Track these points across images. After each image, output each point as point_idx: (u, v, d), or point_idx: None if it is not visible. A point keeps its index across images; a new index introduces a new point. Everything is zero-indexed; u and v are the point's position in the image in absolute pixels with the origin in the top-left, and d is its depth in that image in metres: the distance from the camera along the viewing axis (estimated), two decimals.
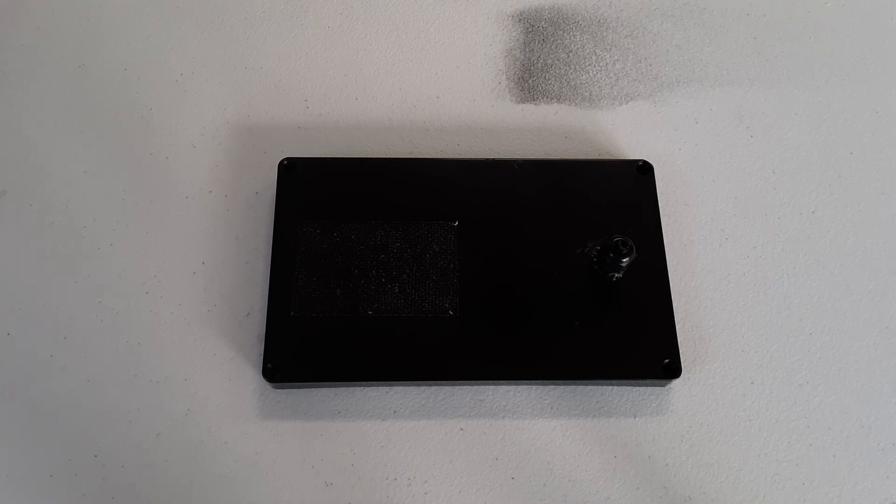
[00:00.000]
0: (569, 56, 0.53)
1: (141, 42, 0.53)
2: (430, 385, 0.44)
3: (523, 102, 0.52)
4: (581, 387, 0.44)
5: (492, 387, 0.44)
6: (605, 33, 0.54)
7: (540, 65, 0.53)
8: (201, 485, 0.41)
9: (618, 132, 0.51)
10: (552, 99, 0.52)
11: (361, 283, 0.43)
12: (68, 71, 0.52)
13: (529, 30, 0.54)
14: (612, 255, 0.43)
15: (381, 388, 0.44)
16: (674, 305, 0.44)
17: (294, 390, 0.43)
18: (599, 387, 0.44)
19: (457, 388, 0.44)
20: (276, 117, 0.51)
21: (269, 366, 0.42)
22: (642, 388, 0.44)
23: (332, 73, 0.52)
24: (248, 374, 0.44)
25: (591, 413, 0.43)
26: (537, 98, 0.52)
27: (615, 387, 0.44)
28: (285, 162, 0.46)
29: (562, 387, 0.44)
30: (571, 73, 0.53)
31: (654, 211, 0.46)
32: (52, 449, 0.42)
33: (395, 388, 0.44)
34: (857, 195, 0.49)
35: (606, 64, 0.53)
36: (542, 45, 0.54)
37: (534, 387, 0.44)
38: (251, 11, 0.54)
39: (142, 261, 0.46)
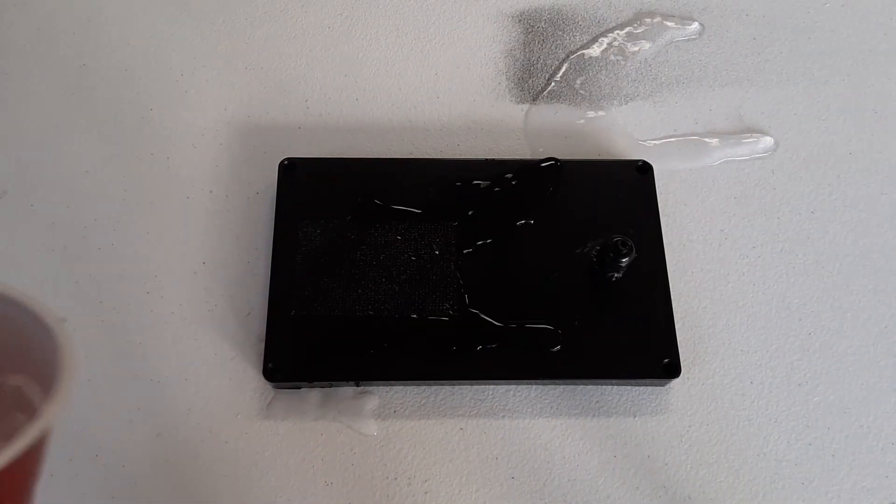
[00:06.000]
0: (568, 56, 0.54)
1: (141, 42, 0.53)
2: (430, 385, 0.44)
3: (523, 102, 0.52)
4: (581, 386, 0.44)
5: (492, 387, 0.44)
6: (604, 33, 0.54)
7: (540, 65, 0.53)
8: (202, 484, 0.41)
9: (618, 132, 0.51)
10: (552, 99, 0.52)
11: (361, 283, 0.43)
12: (69, 71, 0.52)
13: (529, 30, 0.54)
14: (611, 255, 0.43)
15: (381, 387, 0.44)
16: (673, 305, 0.44)
17: (294, 390, 0.43)
18: (599, 386, 0.44)
19: (457, 388, 0.44)
20: (276, 117, 0.51)
21: (269, 365, 0.42)
22: (642, 388, 0.44)
23: (332, 73, 0.52)
24: (249, 374, 0.44)
25: (590, 413, 0.44)
26: (537, 98, 0.52)
27: (615, 386, 0.44)
28: (286, 162, 0.46)
29: (561, 386, 0.44)
30: (571, 73, 0.53)
31: (654, 211, 0.46)
32: (52, 449, 0.42)
33: (395, 388, 0.44)
34: (856, 195, 0.50)
35: (606, 64, 0.53)
36: (542, 45, 0.54)
37: (534, 387, 0.44)
38: (251, 11, 0.54)
39: (142, 261, 0.46)
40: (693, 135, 0.51)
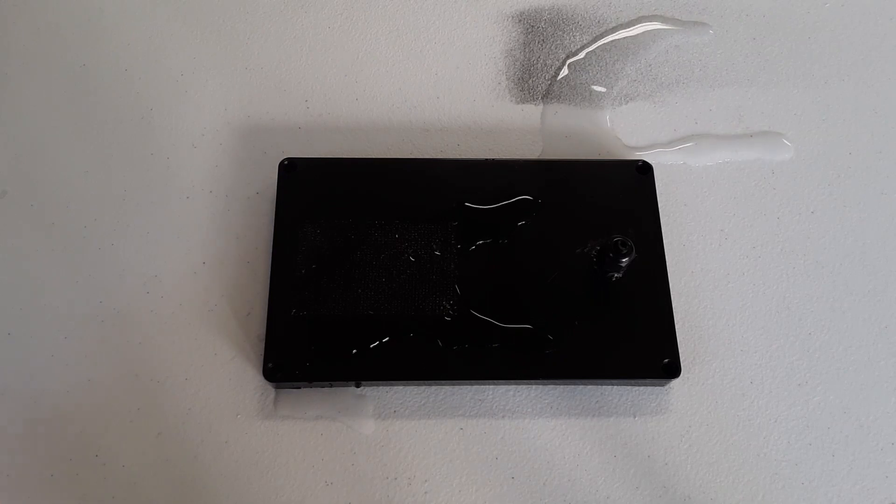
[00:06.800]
0: (568, 56, 0.54)
1: (141, 42, 0.53)
2: (430, 385, 0.44)
3: (523, 102, 0.52)
4: (581, 387, 0.44)
5: (492, 387, 0.44)
6: (605, 33, 0.54)
7: (540, 65, 0.53)
8: (202, 484, 0.41)
9: (618, 132, 0.51)
10: (552, 99, 0.52)
11: (361, 283, 0.43)
12: (69, 71, 0.52)
13: (529, 30, 0.54)
14: (611, 255, 0.43)
15: (381, 387, 0.44)
16: (673, 305, 0.44)
17: (294, 390, 0.43)
18: (599, 386, 0.44)
19: (457, 388, 0.44)
20: (276, 117, 0.51)
21: (269, 365, 0.42)
22: (642, 388, 0.44)
23: (332, 74, 0.52)
24: (249, 374, 0.44)
25: (590, 413, 0.44)
26: (537, 98, 0.52)
27: (615, 386, 0.44)
28: (286, 162, 0.46)
29: (561, 386, 0.44)
30: (572, 73, 0.53)
31: (654, 211, 0.46)
32: (52, 449, 0.42)
33: (395, 388, 0.44)
34: (856, 195, 0.50)
35: (606, 64, 0.53)
36: (541, 45, 0.54)
37: (534, 387, 0.44)
38: (251, 11, 0.54)
39: (142, 261, 0.46)
40: (693, 135, 0.51)
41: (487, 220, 0.45)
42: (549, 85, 0.52)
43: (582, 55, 0.54)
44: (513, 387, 0.44)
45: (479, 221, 0.45)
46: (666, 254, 0.45)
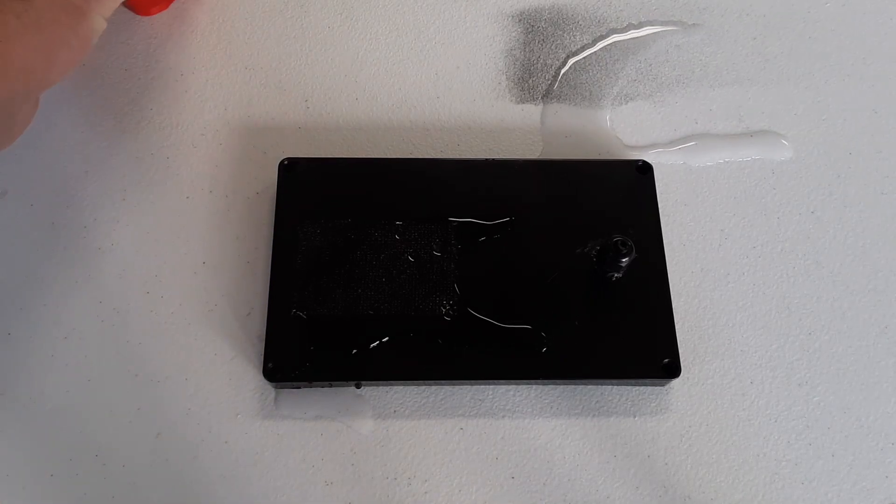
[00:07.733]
0: (569, 56, 0.54)
1: (141, 42, 0.53)
2: (429, 385, 0.44)
3: (523, 102, 0.52)
4: (581, 386, 0.44)
5: (492, 387, 0.44)
6: (604, 33, 0.54)
7: (540, 65, 0.53)
8: (202, 484, 0.41)
9: (618, 132, 0.51)
10: (552, 99, 0.52)
11: (361, 283, 0.43)
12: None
13: (529, 30, 0.54)
14: (611, 254, 0.43)
15: (381, 387, 0.44)
16: (673, 305, 0.44)
17: (294, 390, 0.43)
18: (599, 386, 0.44)
19: (457, 388, 0.44)
20: (276, 117, 0.51)
21: (269, 365, 0.42)
22: (642, 388, 0.44)
23: (332, 73, 0.52)
24: (249, 374, 0.44)
25: (590, 413, 0.44)
26: (537, 98, 0.52)
27: (615, 386, 0.44)
28: (286, 162, 0.46)
29: (561, 386, 0.44)
30: (571, 73, 0.53)
31: (654, 211, 0.46)
32: (52, 449, 0.42)
33: (395, 387, 0.44)
34: (856, 195, 0.50)
35: (606, 64, 0.53)
36: (542, 45, 0.54)
37: (533, 387, 0.44)
38: (251, 11, 0.54)
39: (142, 261, 0.46)
40: (693, 135, 0.51)
41: (488, 217, 0.45)
42: (549, 85, 0.52)
43: (582, 55, 0.54)
44: (513, 387, 0.44)
45: (479, 221, 0.45)
46: (666, 254, 0.45)
